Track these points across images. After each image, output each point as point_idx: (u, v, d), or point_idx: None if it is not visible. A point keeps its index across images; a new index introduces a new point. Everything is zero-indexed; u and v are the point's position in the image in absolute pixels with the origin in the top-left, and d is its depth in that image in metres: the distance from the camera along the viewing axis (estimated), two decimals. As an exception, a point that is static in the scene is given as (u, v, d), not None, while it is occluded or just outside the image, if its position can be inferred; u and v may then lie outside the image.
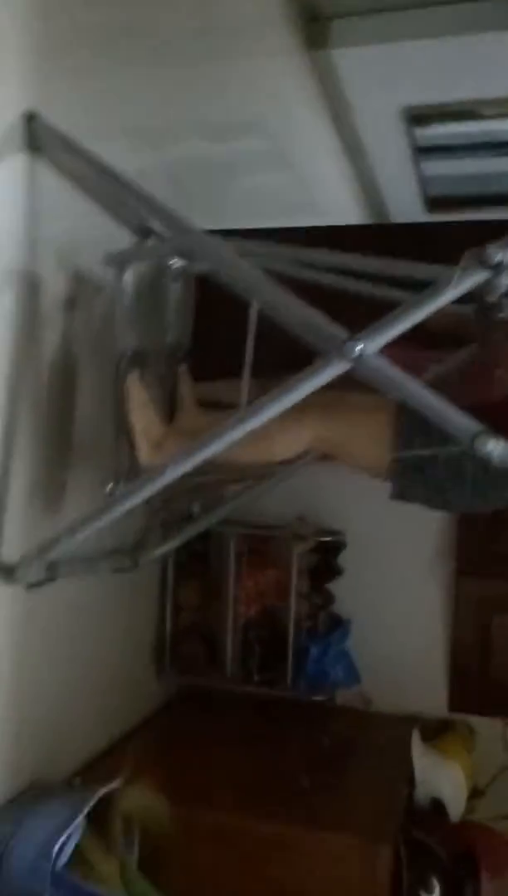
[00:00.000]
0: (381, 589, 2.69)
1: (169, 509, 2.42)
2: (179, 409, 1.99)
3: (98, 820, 1.76)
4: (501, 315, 1.74)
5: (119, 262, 2.06)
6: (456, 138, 4.98)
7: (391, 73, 4.13)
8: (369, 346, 1.44)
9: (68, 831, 1.60)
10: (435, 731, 2.52)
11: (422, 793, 2.18)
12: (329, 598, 2.62)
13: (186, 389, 2.01)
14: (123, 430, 1.96)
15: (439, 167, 5.11)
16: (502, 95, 4.39)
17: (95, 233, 2.08)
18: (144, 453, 1.81)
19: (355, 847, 1.77)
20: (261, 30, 3.44)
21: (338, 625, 2.61)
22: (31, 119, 1.77)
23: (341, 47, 3.93)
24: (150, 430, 1.85)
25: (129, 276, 2.05)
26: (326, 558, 2.61)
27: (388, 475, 1.65)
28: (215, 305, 2.17)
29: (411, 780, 2.16)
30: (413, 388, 1.48)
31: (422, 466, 1.62)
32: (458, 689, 2.66)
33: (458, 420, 1.46)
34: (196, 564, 2.62)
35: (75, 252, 1.99)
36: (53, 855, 1.54)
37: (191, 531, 2.37)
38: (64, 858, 1.58)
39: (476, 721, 2.61)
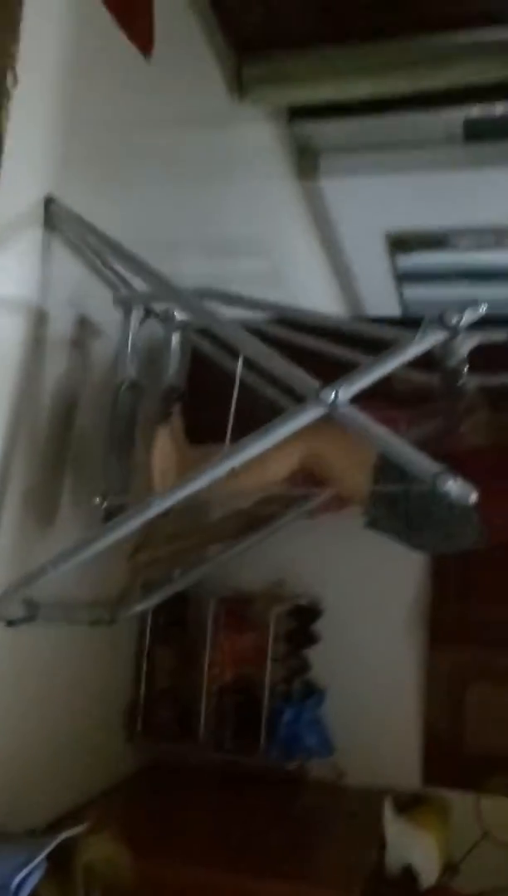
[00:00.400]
0: (356, 658, 2.74)
1: (150, 572, 2.51)
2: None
3: (58, 870, 1.75)
4: (461, 381, 1.93)
5: (126, 303, 2.27)
6: (435, 267, 5.43)
7: (374, 202, 4.57)
8: (342, 394, 1.60)
9: (29, 868, 1.60)
10: (409, 804, 2.50)
11: (394, 859, 2.16)
12: (305, 665, 2.66)
13: (177, 425, 2.16)
14: (112, 450, 2.14)
15: (419, 292, 5.55)
16: (474, 226, 4.86)
17: (99, 286, 2.30)
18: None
19: (321, 896, 1.76)
20: (259, 158, 3.86)
21: (313, 692, 2.65)
22: (49, 202, 2.00)
23: (328, 178, 4.40)
24: (166, 476, 1.98)
25: (134, 317, 2.24)
26: (303, 624, 2.67)
27: (364, 504, 1.78)
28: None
29: (381, 844, 2.15)
30: (380, 431, 1.63)
31: (395, 501, 1.76)
32: (432, 762, 2.66)
33: (421, 461, 1.61)
34: (174, 629, 2.67)
35: (82, 300, 2.21)
36: (13, 889, 1.54)
37: (170, 590, 2.46)
38: (28, 888, 1.58)
39: (451, 795, 2.60)
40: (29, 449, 2.00)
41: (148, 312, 2.42)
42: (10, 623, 1.83)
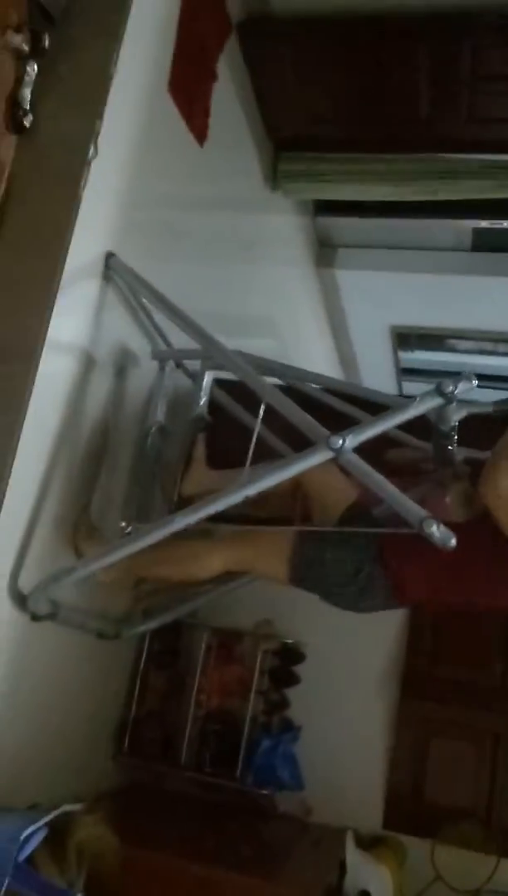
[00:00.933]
0: (331, 703, 2.92)
1: (151, 599, 2.73)
2: (192, 464, 2.49)
3: (54, 842, 1.92)
4: (452, 447, 2.20)
5: (161, 357, 2.57)
6: (434, 365, 5.80)
7: (383, 297, 4.98)
8: (349, 441, 1.88)
9: (35, 826, 1.77)
10: (370, 844, 2.65)
11: (351, 885, 2.31)
12: (285, 702, 2.84)
13: (200, 451, 2.49)
14: (138, 483, 2.40)
15: (418, 388, 5.89)
16: (474, 330, 5.25)
17: (138, 345, 2.60)
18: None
19: (288, 894, 1.92)
20: (283, 245, 4.26)
21: (290, 728, 2.82)
22: (109, 256, 2.32)
23: (343, 269, 4.80)
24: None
25: (168, 370, 2.53)
26: (286, 664, 2.87)
27: (290, 575, 2.09)
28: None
29: (342, 869, 2.30)
30: (376, 477, 1.89)
31: (314, 565, 2.08)
32: (393, 808, 2.82)
33: (410, 506, 1.87)
34: (167, 655, 2.86)
35: (121, 354, 2.49)
36: (21, 840, 1.71)
37: (168, 617, 2.67)
38: (28, 850, 1.75)
39: (408, 840, 2.75)
40: (65, 475, 2.24)
41: (178, 366, 2.74)
42: (35, 618, 2.04)
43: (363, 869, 2.38)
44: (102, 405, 2.42)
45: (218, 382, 2.58)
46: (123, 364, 2.51)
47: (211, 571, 2.20)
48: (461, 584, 2.09)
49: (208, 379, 2.49)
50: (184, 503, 2.30)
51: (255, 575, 2.24)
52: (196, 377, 2.52)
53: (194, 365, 2.67)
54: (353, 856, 2.40)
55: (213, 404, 2.56)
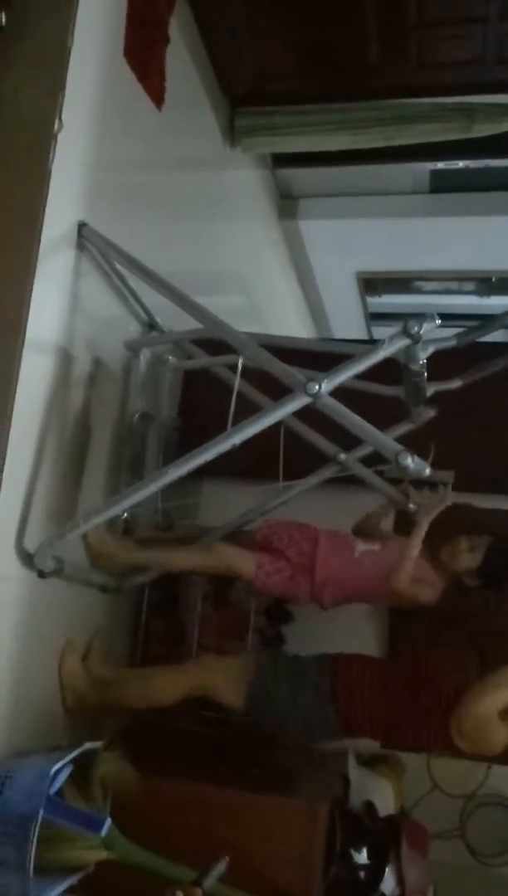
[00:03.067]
0: (324, 634, 3.01)
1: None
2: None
3: (79, 781, 2.07)
4: (423, 384, 2.33)
5: (134, 347, 2.67)
6: (402, 308, 5.91)
7: (347, 244, 5.06)
8: (324, 386, 2.00)
9: (63, 762, 1.92)
10: (369, 761, 2.85)
11: (356, 797, 2.50)
12: (281, 638, 3.01)
13: None
14: (127, 470, 2.59)
15: (388, 332, 5.97)
16: (438, 271, 5.35)
17: (113, 323, 2.69)
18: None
19: (296, 807, 2.09)
20: (246, 200, 4.32)
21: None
22: (82, 226, 2.39)
23: (306, 219, 4.87)
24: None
25: (143, 357, 2.64)
26: (280, 602, 3.03)
27: (244, 702, 2.38)
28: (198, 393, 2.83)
29: (346, 783, 2.49)
30: (353, 418, 2.02)
31: (268, 698, 2.36)
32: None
33: (386, 441, 2.01)
34: (167, 604, 3.00)
35: (98, 338, 2.59)
36: (51, 775, 1.85)
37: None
38: (57, 785, 1.90)
39: (404, 756, 2.95)
40: (57, 438, 2.34)
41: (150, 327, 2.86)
42: (42, 574, 2.16)
43: (365, 783, 2.57)
44: (85, 378, 2.52)
45: (196, 342, 2.68)
46: (102, 340, 2.60)
47: (180, 692, 2.45)
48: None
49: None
50: None
51: (213, 696, 2.47)
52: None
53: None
54: (355, 772, 2.58)
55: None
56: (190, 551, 2.60)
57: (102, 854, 1.88)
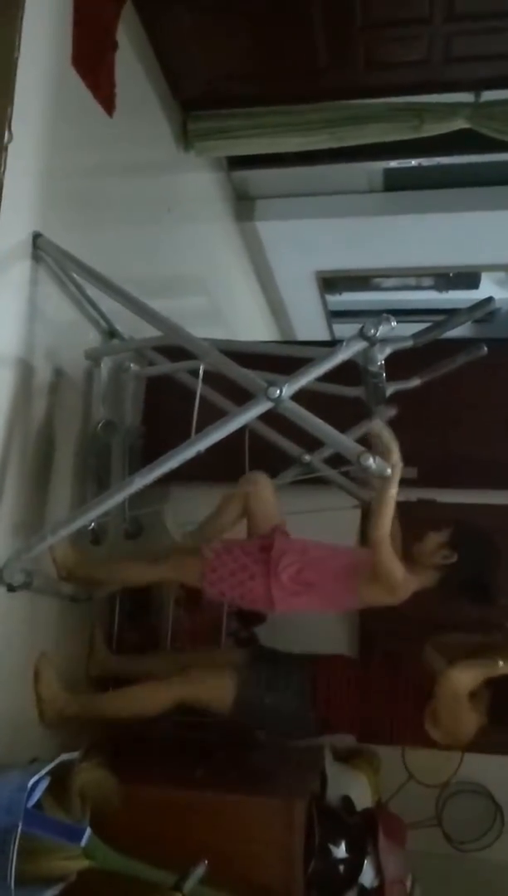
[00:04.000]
0: (296, 635, 3.06)
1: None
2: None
3: (58, 788, 2.07)
4: (382, 385, 2.36)
5: (95, 356, 2.67)
6: (362, 305, 5.96)
7: (304, 244, 5.10)
8: (285, 390, 2.02)
9: (39, 775, 1.92)
10: (346, 756, 2.89)
11: (332, 792, 2.54)
12: (254, 639, 3.03)
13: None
14: (93, 479, 2.54)
15: (348, 329, 6.04)
16: (396, 268, 5.41)
17: (73, 333, 2.68)
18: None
19: (274, 806, 2.12)
20: (202, 203, 4.33)
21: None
22: (36, 236, 2.39)
23: (263, 220, 4.90)
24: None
25: (104, 366, 2.64)
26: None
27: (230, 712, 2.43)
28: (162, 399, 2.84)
29: (323, 779, 2.52)
30: (313, 420, 2.05)
31: (254, 708, 2.42)
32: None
33: (346, 443, 2.03)
34: (139, 612, 3.01)
35: (58, 348, 2.58)
36: (28, 788, 1.86)
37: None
38: (35, 797, 1.90)
39: (380, 749, 2.99)
40: (20, 451, 2.34)
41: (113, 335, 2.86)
42: (11, 588, 2.15)
43: (342, 778, 2.61)
44: (47, 389, 2.51)
45: (158, 349, 2.69)
46: (62, 349, 2.59)
47: (167, 702, 2.48)
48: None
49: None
50: None
51: (199, 704, 2.51)
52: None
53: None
54: (332, 767, 2.62)
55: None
56: (140, 564, 2.61)
57: (84, 863, 1.89)
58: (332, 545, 2.54)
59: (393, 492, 2.12)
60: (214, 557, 2.45)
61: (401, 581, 2.28)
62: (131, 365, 2.89)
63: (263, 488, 2.57)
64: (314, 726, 2.47)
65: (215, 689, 2.44)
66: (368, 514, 2.54)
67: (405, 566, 2.31)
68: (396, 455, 2.09)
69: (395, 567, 2.25)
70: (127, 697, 2.52)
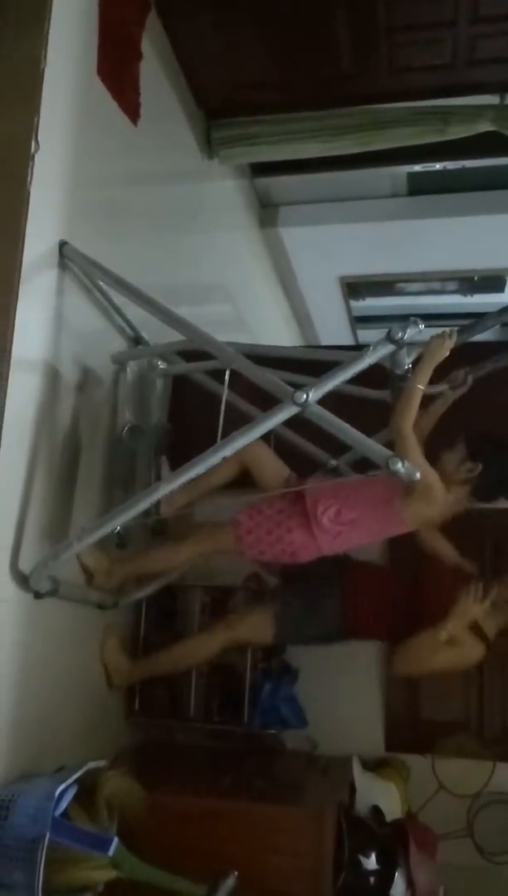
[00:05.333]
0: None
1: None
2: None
3: (85, 798, 2.06)
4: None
5: (120, 360, 2.68)
6: (386, 310, 5.93)
7: (328, 249, 5.09)
8: (312, 395, 2.01)
9: (67, 784, 1.92)
10: (375, 766, 2.85)
11: (362, 803, 2.50)
12: (281, 646, 3.01)
13: (165, 468, 2.67)
14: (118, 484, 2.55)
15: (373, 335, 6.01)
16: (420, 273, 5.38)
17: (98, 339, 2.69)
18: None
19: (302, 816, 2.10)
20: (226, 210, 4.34)
21: (289, 670, 2.99)
22: (63, 245, 2.40)
23: (287, 227, 4.89)
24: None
25: (130, 371, 2.64)
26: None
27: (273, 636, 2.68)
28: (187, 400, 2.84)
29: (352, 789, 2.49)
30: (341, 425, 2.04)
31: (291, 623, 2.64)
32: (393, 731, 3.01)
33: (375, 447, 2.02)
34: (165, 618, 3.00)
35: (85, 354, 2.59)
36: (56, 797, 1.85)
37: (160, 582, 2.81)
38: (62, 806, 1.89)
39: (409, 758, 2.96)
40: (47, 458, 2.34)
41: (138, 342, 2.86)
42: (38, 595, 2.16)
43: (371, 788, 2.58)
44: (73, 395, 2.52)
45: (182, 354, 2.68)
46: (87, 355, 2.60)
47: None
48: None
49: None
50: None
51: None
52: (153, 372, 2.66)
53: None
54: (360, 777, 2.59)
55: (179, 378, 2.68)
56: (172, 547, 2.68)
57: (111, 873, 1.88)
58: (361, 478, 2.47)
59: (421, 386, 2.15)
60: (247, 520, 2.46)
61: (432, 479, 2.25)
62: (159, 363, 2.88)
63: (255, 446, 2.49)
64: (345, 626, 2.61)
65: (256, 625, 2.62)
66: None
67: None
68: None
69: (419, 459, 2.19)
70: (180, 652, 2.70)
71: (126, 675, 2.72)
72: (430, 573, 2.66)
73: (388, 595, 2.64)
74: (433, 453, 2.33)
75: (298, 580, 2.68)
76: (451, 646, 2.47)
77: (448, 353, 2.16)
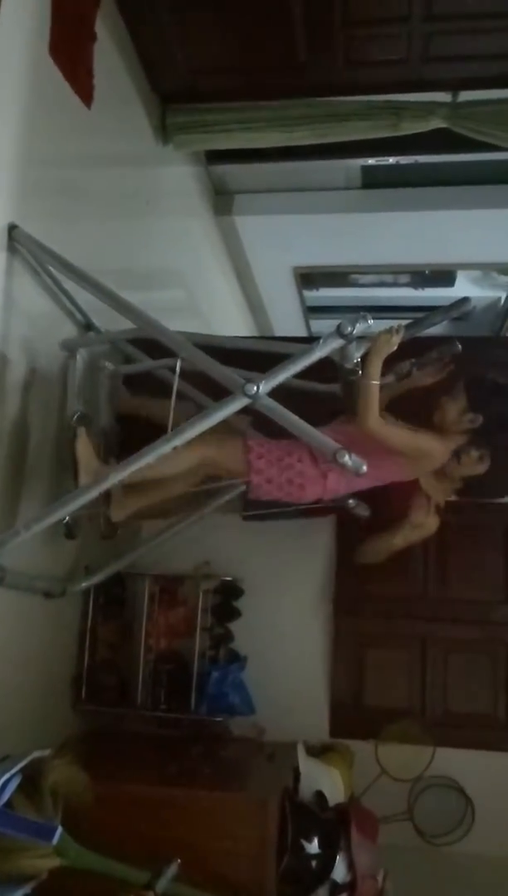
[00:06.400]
0: (271, 631, 3.14)
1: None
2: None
3: (29, 786, 2.05)
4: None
5: (71, 347, 2.65)
6: (339, 301, 5.97)
7: (283, 239, 5.09)
8: (262, 387, 2.02)
9: (9, 774, 1.90)
10: (319, 751, 2.90)
11: (306, 787, 2.54)
12: (229, 635, 3.04)
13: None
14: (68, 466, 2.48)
15: (325, 325, 6.06)
16: (373, 265, 5.43)
17: (48, 325, 2.65)
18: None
19: (247, 802, 2.13)
20: (181, 197, 4.30)
21: (237, 658, 3.02)
22: (12, 228, 2.36)
23: (241, 215, 4.88)
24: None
25: (80, 357, 2.61)
26: (227, 599, 3.05)
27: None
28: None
29: (296, 775, 2.53)
30: (291, 417, 2.05)
31: None
32: (337, 717, 3.08)
33: (322, 440, 2.04)
34: (113, 606, 3.00)
35: (34, 340, 2.55)
36: (-1, 787, 1.84)
37: (110, 571, 2.81)
38: (5, 796, 1.88)
39: (353, 744, 3.01)
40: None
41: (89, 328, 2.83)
42: (-17, 585, 2.14)
43: (315, 773, 2.62)
44: (21, 381, 2.48)
45: (133, 342, 2.67)
46: (37, 341, 2.57)
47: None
48: None
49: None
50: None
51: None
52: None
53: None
54: (305, 763, 2.63)
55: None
56: (176, 454, 2.25)
57: (55, 862, 1.87)
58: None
59: (375, 381, 2.17)
60: (257, 447, 2.36)
61: (424, 444, 2.32)
62: (107, 363, 2.86)
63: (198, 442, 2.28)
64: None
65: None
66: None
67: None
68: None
69: (403, 440, 2.28)
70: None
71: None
72: None
73: None
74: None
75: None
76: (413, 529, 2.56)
77: (395, 348, 2.18)
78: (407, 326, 2.23)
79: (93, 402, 2.81)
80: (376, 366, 2.17)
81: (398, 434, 2.28)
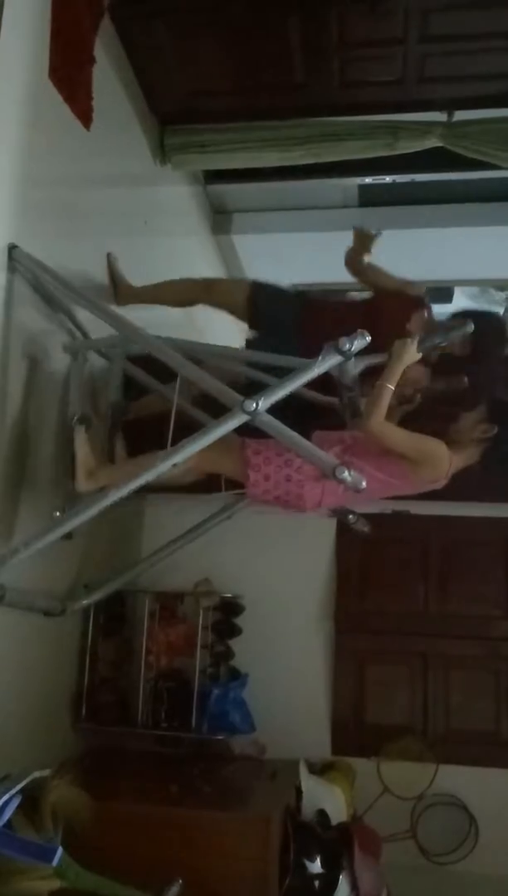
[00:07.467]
0: (273, 648, 3.13)
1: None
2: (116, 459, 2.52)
3: (29, 807, 2.04)
4: (356, 397, 2.38)
5: (73, 350, 2.65)
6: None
7: (280, 257, 5.11)
8: (261, 404, 2.03)
9: (9, 794, 1.89)
10: (321, 769, 2.88)
11: (308, 806, 2.53)
12: (230, 652, 3.03)
13: (119, 445, 2.54)
14: (69, 470, 2.48)
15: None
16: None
17: (48, 345, 2.67)
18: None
19: (248, 821, 2.11)
20: (179, 216, 4.33)
21: (237, 676, 3.01)
22: (12, 248, 2.38)
23: (240, 234, 4.92)
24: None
25: (81, 360, 2.62)
26: (227, 616, 3.05)
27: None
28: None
29: (298, 794, 2.51)
30: (290, 433, 2.06)
31: None
32: (339, 735, 3.07)
33: (322, 457, 2.05)
34: (113, 624, 2.99)
35: (35, 344, 2.56)
36: (-2, 809, 1.82)
37: (110, 589, 2.80)
38: (5, 817, 1.87)
39: (355, 761, 3.00)
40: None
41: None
42: (-17, 602, 2.13)
43: (317, 791, 2.60)
44: (21, 397, 2.49)
45: (133, 358, 2.68)
46: (37, 355, 2.58)
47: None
48: None
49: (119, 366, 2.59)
50: None
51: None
52: (111, 360, 2.62)
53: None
54: (307, 781, 2.61)
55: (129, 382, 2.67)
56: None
57: (56, 884, 1.86)
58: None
59: (391, 385, 2.14)
60: (254, 443, 2.31)
61: (430, 448, 2.26)
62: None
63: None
64: None
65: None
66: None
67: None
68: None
69: (408, 443, 2.23)
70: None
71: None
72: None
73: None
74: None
75: None
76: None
77: (419, 357, 2.18)
78: (420, 339, 2.24)
79: (98, 389, 2.80)
80: (395, 371, 2.15)
81: (399, 434, 2.23)
